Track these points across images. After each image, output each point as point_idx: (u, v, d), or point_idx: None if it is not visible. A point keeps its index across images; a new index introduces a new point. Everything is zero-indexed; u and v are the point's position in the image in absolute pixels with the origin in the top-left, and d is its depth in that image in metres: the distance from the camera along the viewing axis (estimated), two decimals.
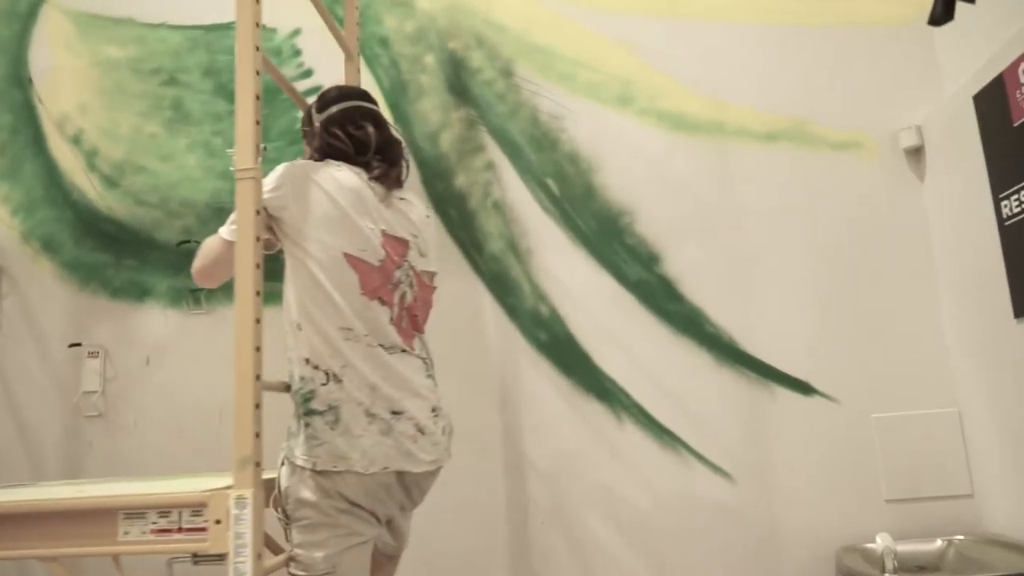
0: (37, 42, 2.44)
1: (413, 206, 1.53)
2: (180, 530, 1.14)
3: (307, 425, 1.26)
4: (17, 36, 2.45)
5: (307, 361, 1.30)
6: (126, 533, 1.14)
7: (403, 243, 1.44)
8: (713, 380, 2.00)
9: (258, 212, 1.21)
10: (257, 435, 1.15)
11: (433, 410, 1.39)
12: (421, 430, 1.33)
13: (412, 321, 1.42)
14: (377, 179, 1.42)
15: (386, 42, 2.27)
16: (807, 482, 1.93)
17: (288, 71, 2.30)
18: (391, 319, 1.36)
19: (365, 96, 1.53)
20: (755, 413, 1.98)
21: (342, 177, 1.37)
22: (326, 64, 2.23)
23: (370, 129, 1.45)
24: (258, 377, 1.16)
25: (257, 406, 1.15)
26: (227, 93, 2.31)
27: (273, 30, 2.33)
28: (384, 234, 1.39)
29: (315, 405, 1.27)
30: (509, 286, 2.11)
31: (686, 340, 2.03)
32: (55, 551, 1.16)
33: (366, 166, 1.42)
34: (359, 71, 1.92)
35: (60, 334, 2.26)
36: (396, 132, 1.54)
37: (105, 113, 2.36)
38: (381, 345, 1.33)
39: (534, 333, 2.09)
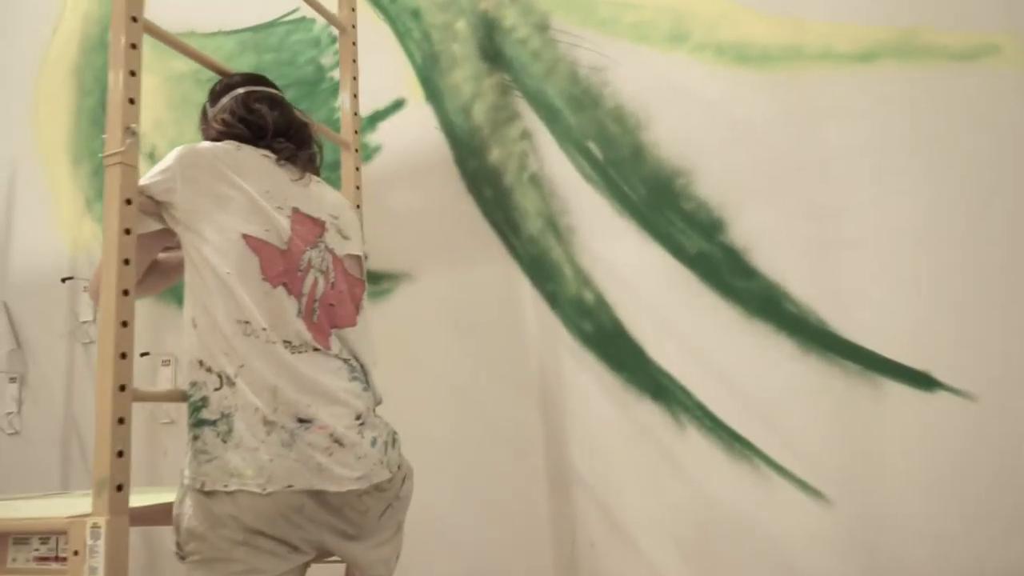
0: None
1: (331, 190, 1.38)
2: (56, 559, 1.03)
3: (196, 438, 1.10)
4: (107, 64, 2.60)
5: (200, 363, 1.13)
6: (14, 560, 1.06)
7: (318, 223, 1.27)
8: (798, 373, 1.57)
9: (129, 201, 1.08)
10: (120, 454, 1.01)
11: (358, 418, 1.16)
12: (338, 441, 1.12)
13: (328, 314, 1.22)
14: (288, 160, 1.29)
15: (418, 13, 2.09)
16: (930, 504, 1.44)
17: (327, 59, 2.21)
18: (299, 311, 1.17)
19: (258, 80, 1.41)
20: (855, 415, 1.52)
21: (243, 156, 1.23)
22: (364, 50, 2.12)
23: (264, 110, 1.30)
24: (123, 388, 1.02)
25: (121, 420, 1.02)
26: None
27: (312, 20, 2.26)
28: (296, 212, 1.24)
29: (206, 414, 1.11)
30: (549, 271, 1.83)
31: (761, 324, 1.62)
32: None
33: (270, 149, 1.28)
34: (354, 44, 1.75)
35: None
36: (302, 115, 1.39)
37: (174, 127, 2.43)
38: (286, 342, 1.14)
39: (578, 324, 1.79)
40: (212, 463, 1.08)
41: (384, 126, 2.09)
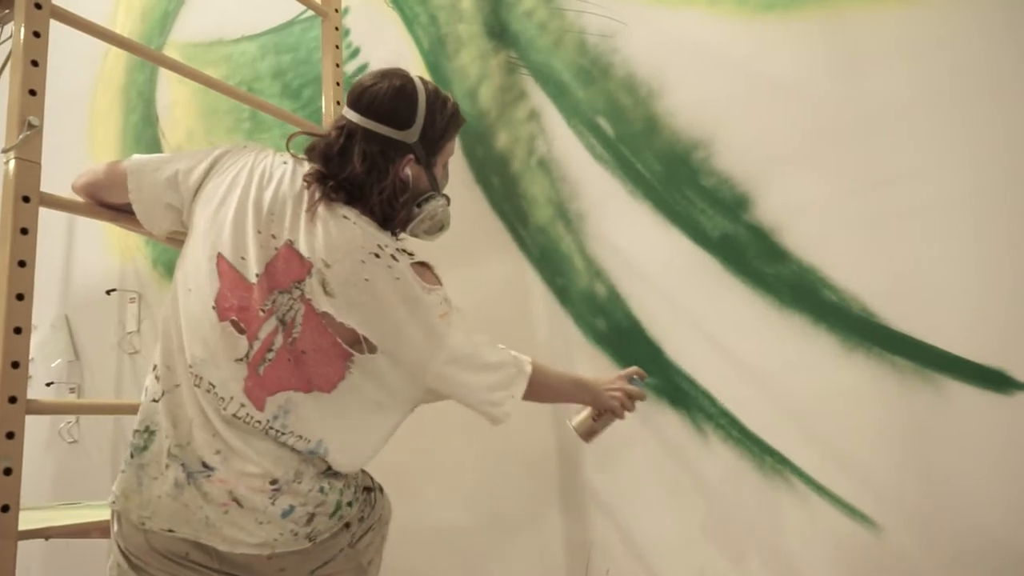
0: (161, 81, 2.61)
1: (348, 231, 1.07)
2: None
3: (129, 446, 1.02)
4: (148, 80, 2.65)
5: (154, 368, 1.06)
6: None
7: (303, 265, 1.05)
8: (840, 373, 1.31)
9: (26, 199, 1.00)
10: (7, 472, 0.93)
11: (273, 483, 0.98)
12: (238, 501, 0.96)
13: (284, 369, 1.02)
14: (308, 182, 1.10)
15: None
16: (1006, 532, 1.15)
17: (344, 51, 2.13)
18: (247, 355, 1.01)
19: (351, 95, 1.16)
20: (911, 422, 1.25)
21: (276, 170, 1.12)
22: (373, 41, 2.03)
23: (332, 131, 1.14)
24: (13, 399, 0.94)
25: (10, 435, 0.94)
26: (291, 92, 2.20)
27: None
28: (288, 246, 1.05)
29: (136, 423, 1.03)
30: (559, 263, 1.65)
31: (795, 316, 1.37)
32: None
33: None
34: (337, 29, 1.64)
35: None
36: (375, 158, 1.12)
37: (205, 136, 2.42)
38: (210, 386, 1.00)
39: (590, 321, 1.59)
40: (121, 475, 1.00)
41: None
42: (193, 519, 0.95)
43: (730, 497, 1.39)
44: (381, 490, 1.16)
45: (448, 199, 1.22)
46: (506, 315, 1.69)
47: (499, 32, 1.81)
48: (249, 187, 1.09)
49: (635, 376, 1.29)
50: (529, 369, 1.16)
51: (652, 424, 1.49)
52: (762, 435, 1.37)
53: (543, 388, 1.19)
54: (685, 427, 1.45)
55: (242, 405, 1.00)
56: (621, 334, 1.55)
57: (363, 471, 1.13)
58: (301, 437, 1.01)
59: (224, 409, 0.99)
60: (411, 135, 1.13)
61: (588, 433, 1.29)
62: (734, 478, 1.39)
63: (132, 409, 1.08)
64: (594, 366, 1.56)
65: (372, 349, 1.04)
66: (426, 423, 1.20)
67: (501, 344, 1.17)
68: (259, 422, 1.00)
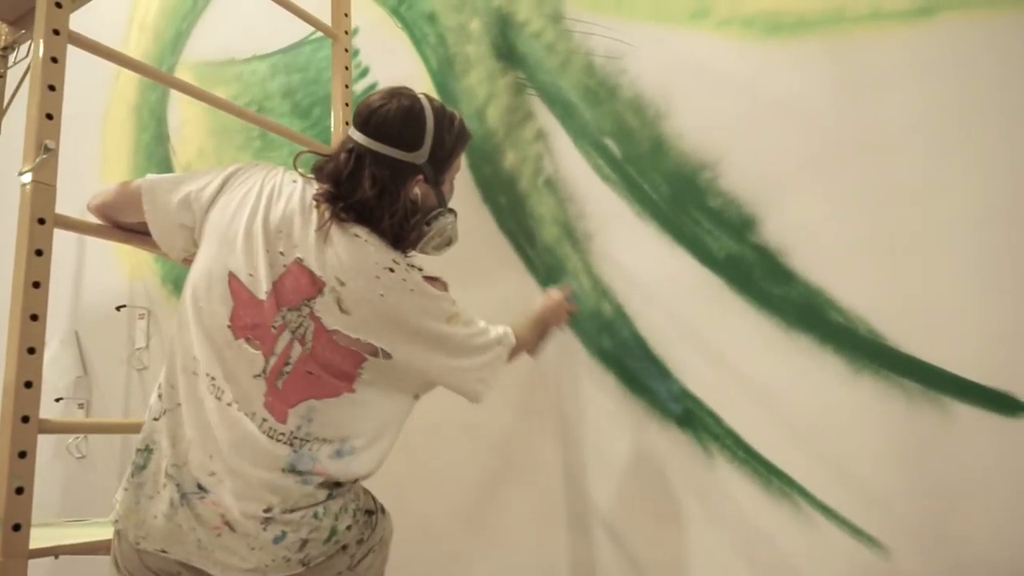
0: (173, 100, 2.64)
1: (361, 250, 1.08)
2: None
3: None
4: (160, 99, 2.68)
5: (159, 387, 1.07)
6: None
7: (314, 283, 1.05)
8: (847, 394, 1.31)
9: (42, 221, 1.01)
10: (19, 491, 0.94)
11: (267, 510, 0.97)
12: (230, 525, 0.96)
13: (300, 383, 1.03)
14: (317, 201, 1.11)
15: (433, 17, 1.98)
16: (1016, 558, 1.14)
17: (353, 72, 2.16)
18: (264, 370, 1.02)
19: (358, 116, 1.17)
20: (918, 445, 1.24)
21: (286, 188, 1.13)
22: (382, 61, 2.05)
23: (341, 153, 1.14)
24: (26, 419, 0.96)
25: (23, 454, 0.95)
26: (301, 111, 2.23)
27: None
28: (298, 264, 1.06)
29: (138, 441, 1.04)
30: (565, 282, 1.65)
31: (802, 337, 1.37)
32: None
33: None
34: (347, 51, 1.66)
35: None
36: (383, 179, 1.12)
37: (215, 155, 2.45)
38: (234, 401, 1.01)
39: (596, 340, 1.60)
40: (122, 492, 1.01)
41: None
42: (186, 540, 0.96)
43: (734, 519, 1.39)
44: (383, 511, 1.16)
45: (455, 213, 1.23)
46: None
47: (507, 53, 1.83)
48: (258, 205, 1.11)
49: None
50: (512, 341, 1.26)
51: (654, 444, 1.49)
52: (768, 456, 1.37)
53: (519, 350, 1.32)
54: (689, 447, 1.45)
55: (264, 420, 1.01)
56: (626, 353, 1.55)
57: (366, 492, 1.14)
58: (326, 440, 1.02)
59: (237, 420, 1.00)
60: (420, 156, 1.14)
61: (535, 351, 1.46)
62: (739, 499, 1.38)
63: (140, 428, 1.09)
64: (599, 385, 1.57)
65: (388, 356, 1.07)
66: (421, 436, 1.21)
67: (486, 323, 1.23)
68: (283, 434, 1.00)
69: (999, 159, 1.23)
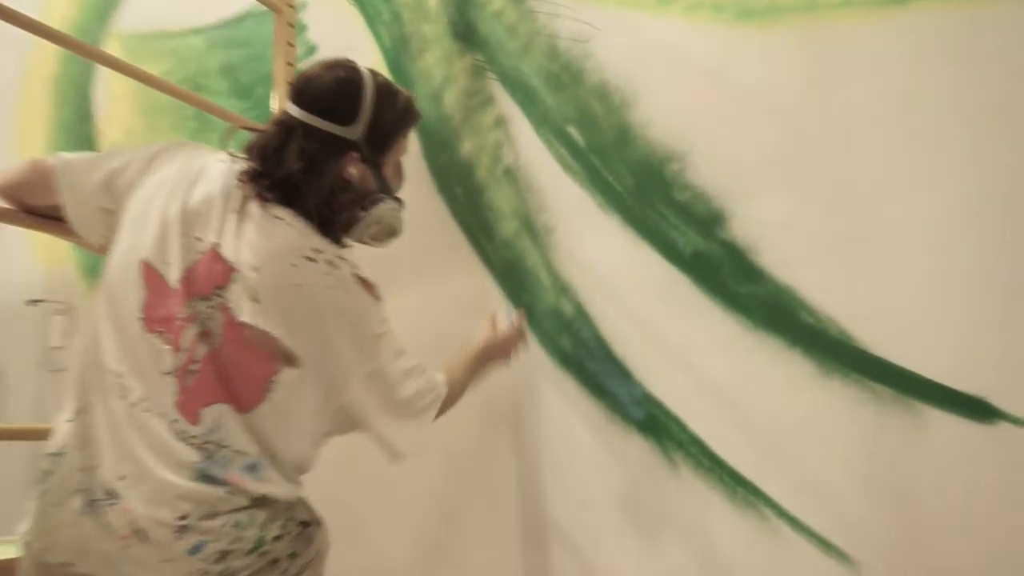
0: (99, 75, 2.45)
1: (282, 234, 0.99)
2: None
3: None
4: (85, 72, 2.48)
5: (70, 385, 0.96)
6: None
7: (227, 270, 0.96)
8: (816, 399, 1.26)
9: None
10: None
11: (182, 518, 0.87)
12: (140, 535, 0.86)
13: (210, 381, 0.93)
14: (241, 181, 1.01)
15: None
16: (989, 568, 1.11)
17: (301, 50, 2.02)
18: (174, 369, 0.92)
19: (295, 86, 1.09)
20: (889, 451, 1.20)
21: (210, 168, 1.02)
22: (332, 39, 1.92)
23: (271, 127, 1.06)
24: None
25: None
26: (241, 91, 2.08)
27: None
28: (214, 249, 0.96)
29: (48, 445, 0.94)
30: (524, 279, 1.56)
31: (770, 338, 1.31)
32: None
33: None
34: (291, 25, 1.54)
35: None
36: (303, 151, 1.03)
37: (145, 135, 2.26)
38: (140, 400, 0.91)
39: (556, 341, 1.51)
40: (28, 503, 0.90)
41: None
42: (92, 551, 0.86)
43: (698, 530, 1.32)
44: (319, 523, 1.05)
45: (400, 202, 1.13)
46: (466, 333, 1.59)
47: (466, 33, 1.73)
48: (178, 187, 1.00)
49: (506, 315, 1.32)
50: (443, 393, 1.12)
51: (616, 451, 1.41)
52: (734, 464, 1.31)
53: (452, 399, 1.16)
54: (652, 454, 1.38)
55: (175, 421, 0.91)
56: (587, 355, 1.47)
57: (303, 502, 1.03)
58: (239, 452, 0.92)
59: (145, 420, 0.90)
60: (354, 131, 1.04)
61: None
62: (703, 510, 1.32)
63: (50, 434, 0.97)
64: (559, 389, 1.48)
65: (294, 362, 0.96)
66: (364, 443, 1.10)
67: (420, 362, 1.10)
68: (195, 437, 0.90)
69: (976, 154, 1.19)
